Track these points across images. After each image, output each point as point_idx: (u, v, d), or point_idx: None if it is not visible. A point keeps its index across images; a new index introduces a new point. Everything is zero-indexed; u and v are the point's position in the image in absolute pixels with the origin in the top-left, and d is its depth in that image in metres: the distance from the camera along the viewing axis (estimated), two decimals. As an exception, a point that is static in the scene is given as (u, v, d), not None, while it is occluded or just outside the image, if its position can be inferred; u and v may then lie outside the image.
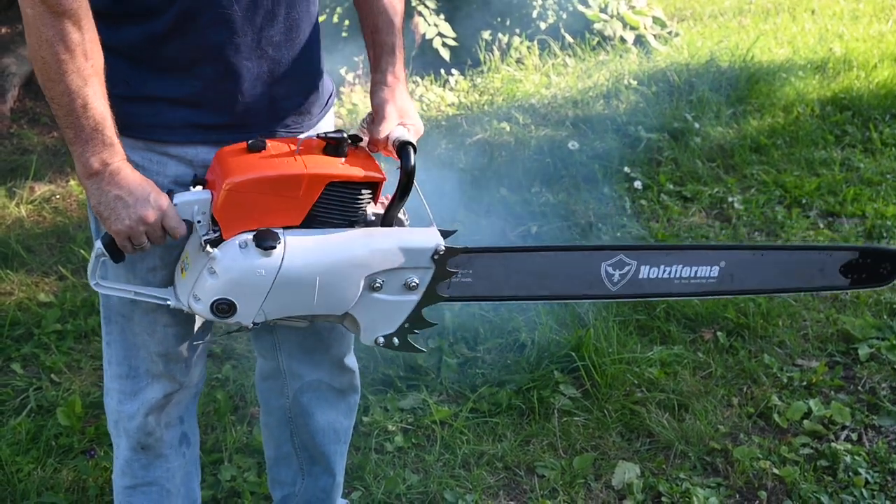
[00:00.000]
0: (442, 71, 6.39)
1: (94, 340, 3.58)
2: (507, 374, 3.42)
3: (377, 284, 1.91)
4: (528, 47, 6.79)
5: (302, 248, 1.84)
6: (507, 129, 5.61)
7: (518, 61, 6.71)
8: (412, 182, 1.89)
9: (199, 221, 1.84)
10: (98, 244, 1.86)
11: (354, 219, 1.91)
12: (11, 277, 3.98)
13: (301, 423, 2.39)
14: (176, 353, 2.08)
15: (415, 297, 1.96)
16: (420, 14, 6.37)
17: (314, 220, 1.86)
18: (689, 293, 2.13)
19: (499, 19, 6.97)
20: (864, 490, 2.91)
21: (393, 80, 2.05)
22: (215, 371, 3.40)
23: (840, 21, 8.21)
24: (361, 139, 1.98)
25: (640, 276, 2.08)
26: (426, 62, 6.39)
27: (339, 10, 6.76)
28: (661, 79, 6.45)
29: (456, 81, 6.41)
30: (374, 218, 1.94)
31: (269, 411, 2.44)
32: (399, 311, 1.97)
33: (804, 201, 4.84)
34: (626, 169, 5.09)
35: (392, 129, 1.96)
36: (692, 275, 2.10)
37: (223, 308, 1.85)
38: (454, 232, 1.96)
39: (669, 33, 7.41)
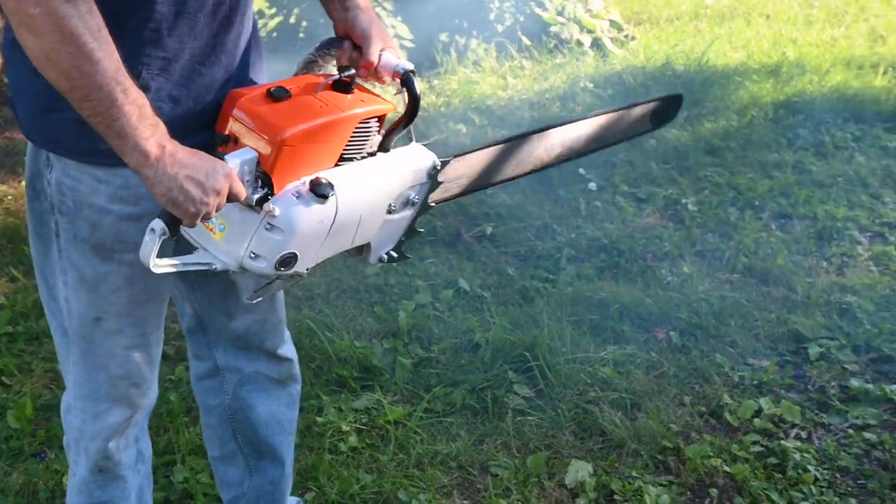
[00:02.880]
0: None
1: (45, 342, 3.55)
2: (461, 374, 3.43)
3: (393, 208, 1.99)
4: (485, 49, 6.81)
5: (347, 190, 1.86)
6: (464, 130, 5.62)
7: (475, 63, 6.73)
8: (418, 109, 1.97)
9: (246, 181, 1.78)
10: (159, 225, 1.74)
11: (368, 150, 1.96)
12: (-39, 279, 3.94)
13: (243, 418, 2.38)
14: (137, 374, 2.04)
15: (412, 212, 2.06)
16: (377, 15, 6.35)
17: (341, 160, 1.90)
18: (576, 155, 2.47)
19: (456, 21, 6.99)
20: (812, 487, 2.94)
21: (367, 1, 2.06)
22: (168, 373, 3.38)
23: (794, 26, 8.30)
24: (355, 72, 1.98)
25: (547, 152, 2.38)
26: (383, 64, 6.37)
27: (296, 10, 6.75)
28: (617, 82, 6.49)
29: (413, 83, 6.40)
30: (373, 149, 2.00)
31: (208, 411, 2.42)
32: (400, 228, 2.07)
33: (757, 203, 4.89)
34: (581, 171, 5.12)
35: (379, 53, 1.99)
36: (588, 133, 2.44)
37: (287, 261, 1.85)
38: (429, 143, 2.07)
39: (626, 37, 7.46)
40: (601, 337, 3.68)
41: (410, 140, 2.05)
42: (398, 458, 3.04)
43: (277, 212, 1.79)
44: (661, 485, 2.96)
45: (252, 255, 1.83)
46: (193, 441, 3.05)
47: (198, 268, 1.87)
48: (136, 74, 1.71)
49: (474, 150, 2.20)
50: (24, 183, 4.76)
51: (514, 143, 2.29)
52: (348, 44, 2.03)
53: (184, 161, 1.68)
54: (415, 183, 2.01)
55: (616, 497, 2.90)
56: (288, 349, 2.37)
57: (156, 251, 1.76)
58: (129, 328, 1.98)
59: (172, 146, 1.68)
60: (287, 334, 2.38)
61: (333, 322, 3.70)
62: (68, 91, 1.59)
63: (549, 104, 6.13)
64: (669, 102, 2.65)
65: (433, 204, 2.11)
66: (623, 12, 8.14)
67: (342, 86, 1.89)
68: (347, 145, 1.89)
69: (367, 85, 2.02)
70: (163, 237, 1.75)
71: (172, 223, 1.74)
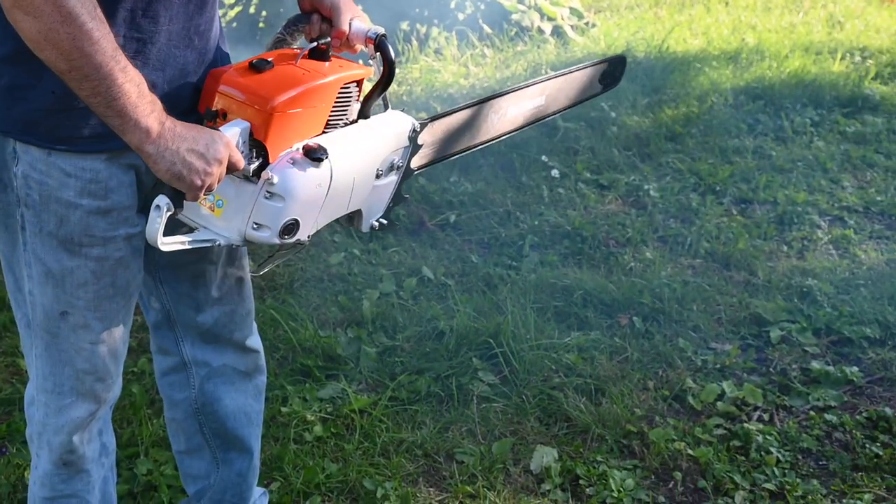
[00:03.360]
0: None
1: (5, 336, 3.51)
2: (426, 362, 3.43)
3: (380, 172, 2.02)
4: (447, 38, 6.81)
5: (341, 153, 1.89)
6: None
7: (436, 52, 6.72)
8: (394, 72, 2.02)
9: (241, 152, 1.80)
10: (164, 201, 1.76)
11: (350, 118, 1.99)
12: (-82, 273, 3.88)
13: (210, 412, 2.36)
14: (103, 369, 2.02)
15: (397, 177, 2.09)
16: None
17: (326, 127, 1.92)
18: (535, 120, 2.53)
19: (417, 10, 6.98)
20: (775, 468, 2.97)
21: None
22: (131, 365, 3.35)
23: (753, 12, 8.36)
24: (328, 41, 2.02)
25: (512, 115, 2.44)
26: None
27: (255, 0, 6.71)
28: (579, 69, 6.50)
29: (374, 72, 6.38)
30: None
31: (173, 405, 2.40)
32: (387, 193, 2.09)
33: (718, 188, 4.92)
34: (544, 158, 5.13)
35: (349, 21, 2.01)
36: (541, 104, 2.49)
37: (289, 228, 1.87)
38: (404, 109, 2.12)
39: (586, 24, 7.49)
40: (565, 323, 3.69)
41: (386, 107, 2.08)
42: (363, 447, 3.04)
43: (276, 179, 1.82)
44: (625, 469, 2.97)
45: (255, 226, 1.86)
46: (157, 433, 3.03)
47: (202, 244, 1.90)
48: None
49: (449, 113, 2.25)
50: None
51: (483, 105, 2.33)
52: (317, 17, 2.05)
53: (183, 134, 1.70)
54: (397, 147, 2.05)
55: (581, 482, 2.92)
56: (255, 341, 2.36)
57: (163, 228, 1.78)
58: (96, 322, 1.96)
59: (171, 121, 1.69)
60: (254, 326, 2.37)
61: (297, 312, 3.68)
62: (67, 71, 1.58)
63: (510, 92, 6.13)
64: (615, 64, 2.75)
65: (415, 170, 2.15)
66: (583, 0, 8.16)
67: (319, 53, 1.93)
68: (332, 112, 1.92)
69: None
70: (169, 213, 1.77)
71: (176, 197, 1.76)
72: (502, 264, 4.14)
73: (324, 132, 1.92)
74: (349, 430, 3.12)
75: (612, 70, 2.71)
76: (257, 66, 1.84)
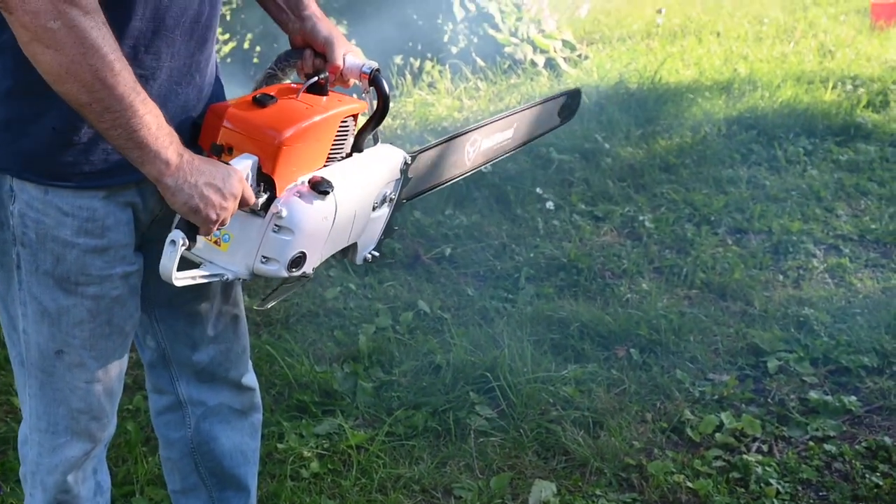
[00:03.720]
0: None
1: (0, 374, 3.50)
2: (422, 396, 3.41)
3: (375, 205, 2.04)
4: (440, 71, 6.84)
5: (342, 187, 1.91)
6: (420, 152, 5.62)
7: (430, 85, 6.74)
8: (388, 107, 2.03)
9: (251, 185, 1.82)
10: (178, 235, 1.76)
11: (346, 151, 2.00)
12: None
13: (206, 451, 2.34)
14: (98, 408, 2.00)
15: (389, 209, 2.11)
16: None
17: (326, 160, 1.94)
18: (505, 152, 2.54)
19: (410, 44, 7.01)
20: (775, 500, 2.95)
21: (320, 11, 2.10)
22: (126, 402, 3.33)
23: (744, 43, 8.41)
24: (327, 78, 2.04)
25: (483, 148, 2.43)
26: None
27: (249, 35, 6.74)
28: (572, 101, 6.52)
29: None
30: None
31: (169, 444, 2.38)
32: (380, 225, 2.11)
33: (713, 218, 4.93)
34: (539, 190, 5.13)
35: (343, 56, 2.04)
36: (507, 138, 2.49)
37: (297, 261, 1.88)
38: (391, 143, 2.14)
39: (579, 56, 7.52)
40: (562, 356, 3.68)
41: (376, 141, 2.10)
42: (361, 483, 3.02)
43: (284, 213, 1.83)
44: (624, 502, 2.95)
45: (263, 259, 1.87)
46: (152, 471, 3.01)
47: (212, 279, 1.90)
48: None
49: (431, 147, 2.27)
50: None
51: (458, 139, 2.36)
52: (309, 52, 2.07)
53: (201, 168, 1.71)
54: (390, 179, 2.07)
55: (580, 516, 2.90)
56: (250, 378, 2.35)
57: (177, 263, 1.78)
58: (92, 361, 1.94)
59: (189, 154, 1.70)
60: (250, 364, 2.36)
61: (293, 347, 3.67)
62: (88, 104, 1.58)
63: (504, 124, 6.14)
64: (573, 97, 2.78)
65: (404, 201, 2.18)
66: (575, 32, 8.20)
67: (318, 88, 1.95)
68: (332, 145, 1.94)
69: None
70: (184, 247, 1.78)
71: (190, 232, 1.77)
72: (498, 297, 4.13)
73: (324, 166, 1.94)
74: (346, 466, 3.10)
75: (570, 103, 2.76)
76: (261, 101, 1.85)
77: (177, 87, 1.84)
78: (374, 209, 2.05)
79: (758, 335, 3.81)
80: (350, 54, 2.05)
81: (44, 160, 1.76)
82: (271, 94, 1.89)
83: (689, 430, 3.26)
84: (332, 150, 1.95)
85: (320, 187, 1.85)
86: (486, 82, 6.93)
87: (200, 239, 1.86)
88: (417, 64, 6.88)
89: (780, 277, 4.34)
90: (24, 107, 1.73)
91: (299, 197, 1.84)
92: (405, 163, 2.09)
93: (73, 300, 1.87)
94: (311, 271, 1.94)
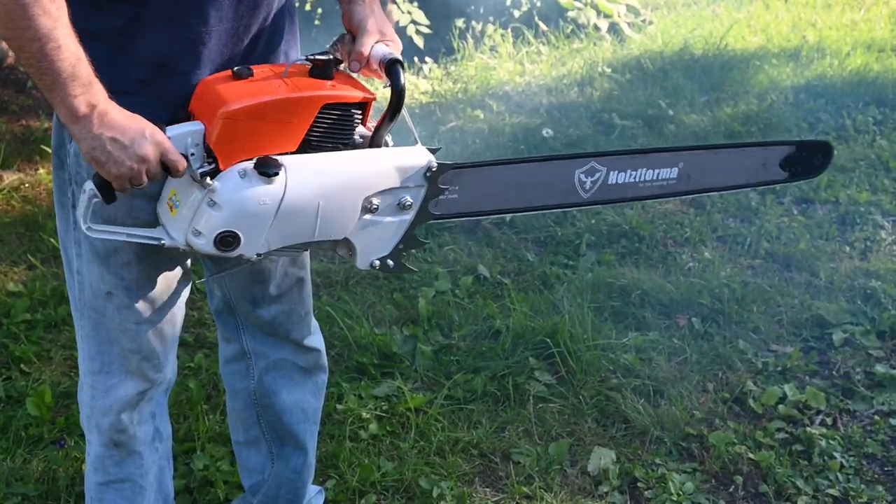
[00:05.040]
0: (415, 59, 6.36)
1: (64, 330, 3.54)
2: (481, 361, 3.40)
3: (374, 206, 1.90)
4: (502, 35, 6.77)
5: (303, 174, 1.80)
6: (481, 116, 5.59)
7: (492, 49, 6.68)
8: (403, 101, 1.87)
9: (192, 154, 1.78)
10: (89, 185, 1.78)
11: (346, 141, 1.88)
12: (-21, 267, 3.93)
13: (267, 404, 2.37)
14: (149, 350, 2.04)
15: (408, 217, 1.95)
16: (394, 2, 6.33)
17: (309, 145, 1.83)
18: (653, 195, 2.21)
19: (472, 7, 6.94)
20: (839, 474, 2.91)
21: None
22: (187, 360, 3.36)
23: (813, 10, 8.23)
24: (341, 61, 1.93)
25: (610, 182, 2.14)
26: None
27: (311, -3, 6.72)
28: (635, 66, 6.45)
29: (429, 69, 6.38)
30: (361, 140, 1.91)
31: (234, 394, 2.41)
32: (394, 233, 1.96)
33: (778, 188, 4.84)
34: (601, 156, 5.07)
35: (373, 45, 1.91)
36: (655, 177, 2.18)
37: (227, 241, 1.81)
38: (439, 149, 1.97)
39: (643, 21, 7.41)
40: (623, 323, 3.65)
41: (388, 142, 1.95)
42: (419, 446, 3.02)
43: (217, 187, 1.77)
44: (685, 472, 2.93)
45: (195, 232, 1.82)
46: (213, 428, 3.03)
47: (144, 241, 1.87)
48: (163, 58, 1.77)
49: (497, 164, 2.10)
50: (40, 171, 4.76)
51: (562, 161, 2.12)
52: (348, 36, 1.99)
53: (113, 123, 1.69)
54: (405, 184, 1.91)
55: (640, 484, 2.88)
56: (315, 340, 2.35)
57: (87, 212, 1.80)
58: (140, 303, 1.99)
59: (106, 106, 1.69)
60: (315, 325, 2.36)
61: (352, 309, 3.67)
62: (6, 38, 1.63)
63: (566, 90, 6.09)
64: (808, 150, 2.29)
65: (438, 216, 2.02)
66: (640, -3, 8.08)
67: (320, 71, 1.84)
68: (313, 130, 1.83)
69: (365, 80, 1.98)
70: (94, 199, 1.78)
71: (103, 187, 1.76)
72: (559, 263, 4.10)
73: (305, 150, 1.83)
74: (404, 428, 3.10)
75: (801, 155, 2.29)
76: (238, 74, 1.80)
77: (224, 50, 1.85)
78: (372, 211, 1.90)
79: (823, 307, 3.74)
80: (382, 43, 1.93)
81: None
82: (259, 68, 1.82)
83: (751, 402, 3.22)
84: (316, 136, 1.84)
85: (264, 168, 1.76)
86: (549, 46, 6.85)
87: (162, 200, 1.85)
88: (479, 27, 6.81)
89: (847, 249, 4.26)
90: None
91: (241, 175, 1.77)
92: (429, 169, 1.92)
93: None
94: (254, 256, 1.86)
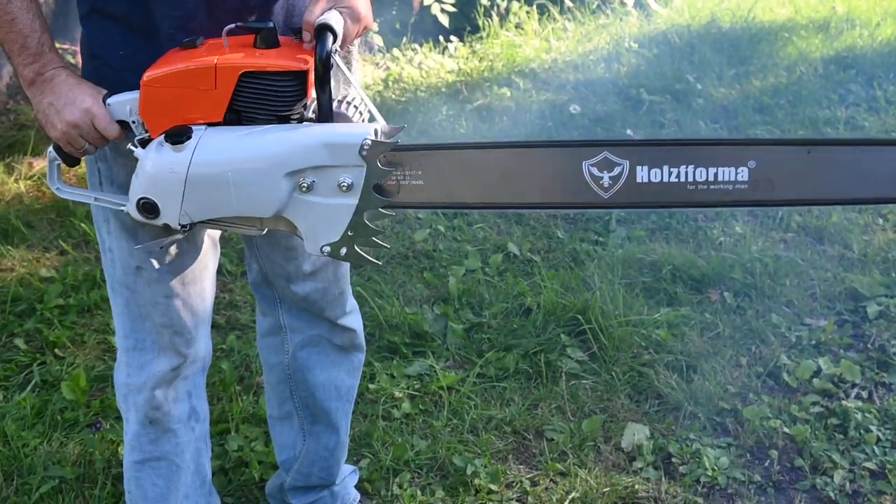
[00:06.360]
0: (441, 37, 6.33)
1: (97, 314, 3.56)
2: (513, 338, 3.40)
3: (305, 185, 1.75)
4: (528, 12, 6.73)
5: (213, 144, 1.75)
6: (508, 94, 5.57)
7: (517, 26, 6.65)
8: (329, 71, 1.72)
9: (133, 122, 1.81)
10: (50, 150, 1.89)
11: (285, 114, 1.77)
12: (12, 253, 3.95)
13: (300, 379, 2.38)
14: (180, 324, 2.06)
15: (352, 201, 1.76)
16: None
17: (240, 117, 1.77)
18: (712, 202, 1.71)
19: (497, -16, 6.90)
20: (875, 447, 2.89)
21: None
22: (220, 342, 3.37)
23: (841, -20, 8.13)
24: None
25: (639, 180, 1.72)
26: (425, 29, 6.33)
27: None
28: (662, 41, 6.40)
29: (455, 48, 6.35)
30: (313, 115, 1.81)
31: (269, 369, 2.43)
32: (339, 217, 1.78)
33: (809, 160, 4.79)
34: (629, 132, 5.05)
35: (324, 12, 1.78)
36: (711, 178, 1.69)
37: (148, 207, 1.80)
38: (402, 128, 1.77)
39: (669, -5, 7.35)
40: (654, 299, 3.63)
41: (350, 116, 1.81)
42: (452, 424, 3.02)
43: (139, 153, 1.80)
44: (719, 447, 2.91)
45: (131, 198, 1.84)
46: (247, 409, 3.04)
47: (107, 205, 1.94)
48: (155, 30, 1.82)
49: (467, 147, 1.82)
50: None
51: (540, 152, 1.79)
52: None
53: (54, 90, 1.81)
54: (339, 163, 1.74)
55: (674, 460, 2.87)
56: (351, 320, 2.35)
57: (52, 174, 1.93)
58: (168, 276, 2.01)
59: (51, 74, 1.82)
60: (351, 304, 2.36)
61: (383, 288, 3.67)
62: None
63: (593, 66, 6.05)
64: None
65: (398, 203, 1.80)
66: (666, -29, 8.02)
67: (261, 40, 1.77)
68: (237, 100, 1.75)
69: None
70: (56, 162, 1.91)
71: (61, 150, 1.88)
72: (588, 240, 4.08)
73: (238, 123, 1.77)
74: (437, 406, 3.11)
75: None
76: (186, 44, 1.79)
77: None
78: (304, 190, 1.75)
79: (857, 280, 3.71)
80: (335, 10, 1.78)
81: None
82: (205, 40, 1.79)
83: (785, 375, 3.20)
84: (240, 105, 1.76)
85: (170, 136, 1.74)
86: (574, 23, 6.81)
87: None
88: (504, 5, 6.77)
89: (880, 221, 4.21)
90: (94, 37, 1.88)
91: (157, 143, 1.77)
92: (362, 147, 1.71)
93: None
94: (178, 226, 1.81)
